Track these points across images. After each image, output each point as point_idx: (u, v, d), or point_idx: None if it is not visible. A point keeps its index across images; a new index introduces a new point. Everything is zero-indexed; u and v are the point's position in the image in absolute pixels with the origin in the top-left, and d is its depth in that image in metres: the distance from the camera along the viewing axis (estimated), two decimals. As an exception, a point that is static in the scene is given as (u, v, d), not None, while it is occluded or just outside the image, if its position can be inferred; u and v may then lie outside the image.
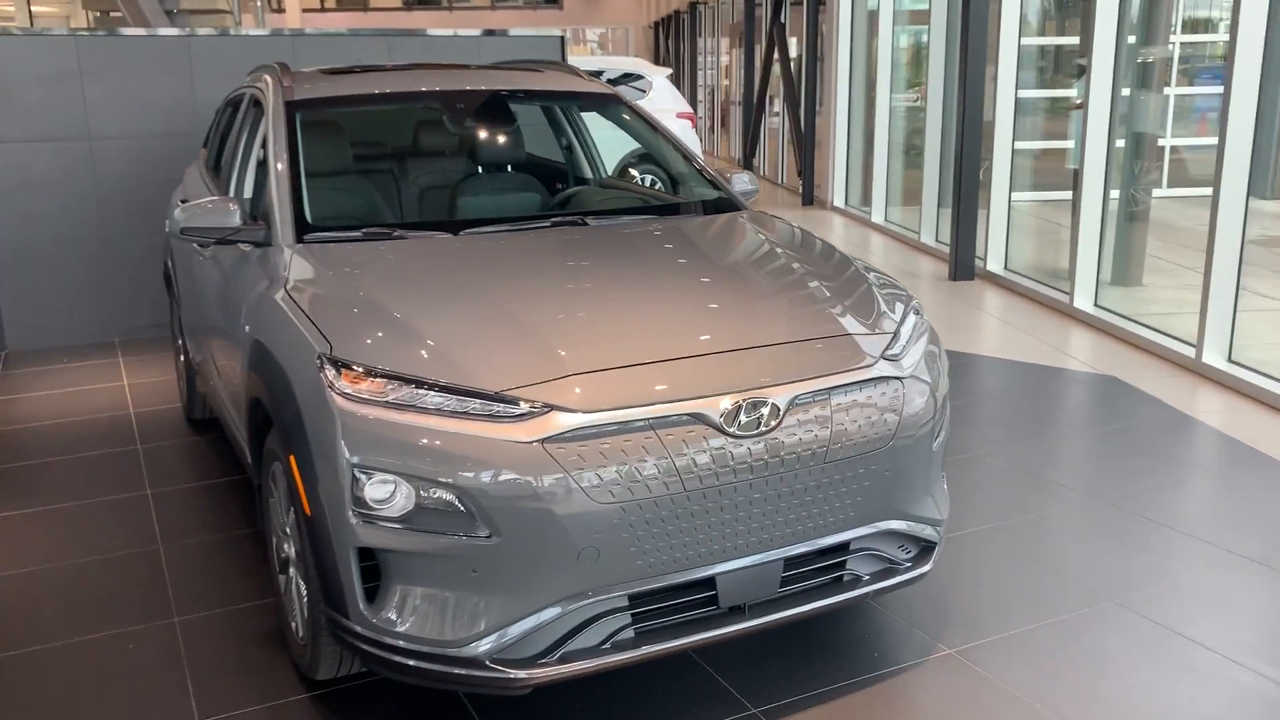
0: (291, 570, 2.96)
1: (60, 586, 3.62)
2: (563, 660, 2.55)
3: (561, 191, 4.22)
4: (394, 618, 2.54)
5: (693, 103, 23.82)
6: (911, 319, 3.13)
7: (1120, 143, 7.29)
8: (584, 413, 2.49)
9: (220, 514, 4.18)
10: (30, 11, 12.07)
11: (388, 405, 2.53)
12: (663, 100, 11.47)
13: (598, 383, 2.57)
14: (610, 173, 10.24)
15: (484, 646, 2.50)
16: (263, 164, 3.69)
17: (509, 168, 4.29)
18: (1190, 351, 6.01)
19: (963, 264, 8.64)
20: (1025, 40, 8.46)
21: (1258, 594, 3.47)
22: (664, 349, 2.72)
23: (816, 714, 2.85)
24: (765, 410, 2.61)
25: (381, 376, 2.57)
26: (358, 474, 2.50)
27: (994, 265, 8.65)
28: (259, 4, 16.30)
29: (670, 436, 2.53)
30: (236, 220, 3.42)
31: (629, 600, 2.59)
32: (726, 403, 2.58)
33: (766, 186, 16.16)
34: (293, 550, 2.91)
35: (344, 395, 2.56)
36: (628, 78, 11.69)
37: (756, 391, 2.62)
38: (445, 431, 2.48)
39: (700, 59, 23.02)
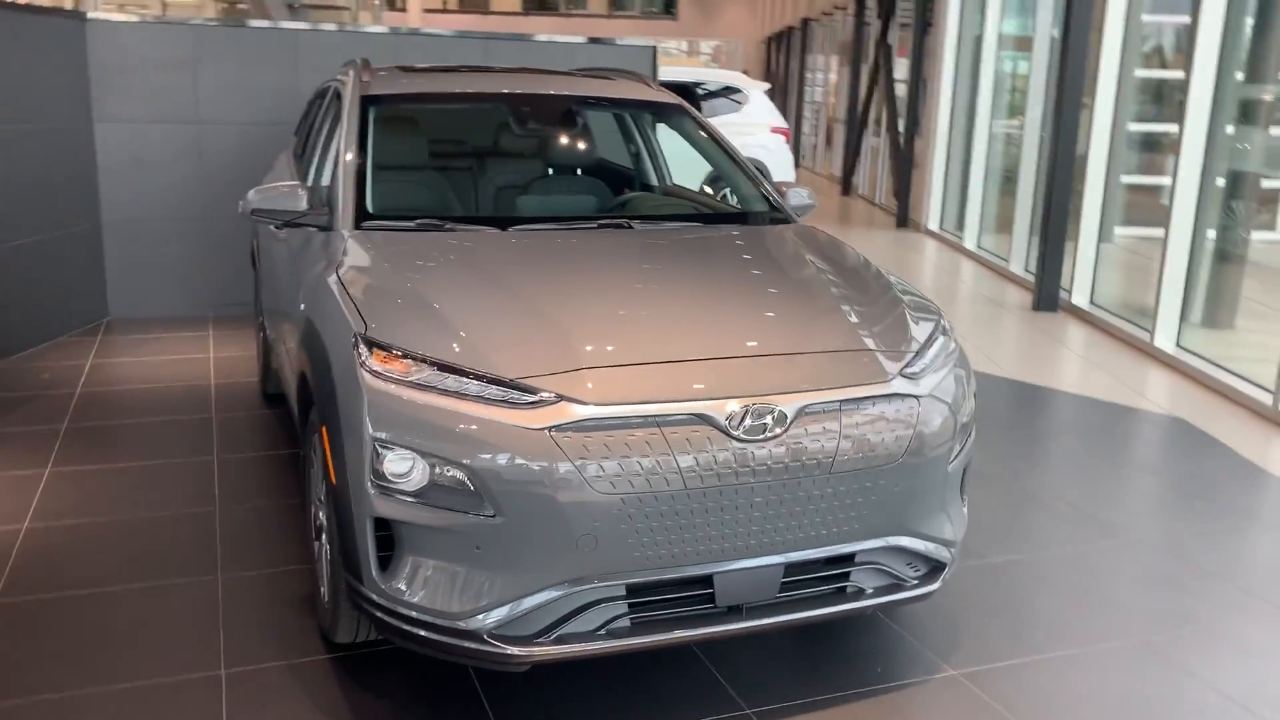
0: (323, 537, 3.13)
1: (121, 537, 3.87)
2: (558, 641, 2.65)
3: (620, 196, 4.33)
4: (403, 587, 2.67)
5: (799, 119, 23.78)
6: (940, 341, 3.16)
7: (1221, 181, 7.10)
8: (593, 405, 2.59)
9: (277, 483, 4.40)
10: (164, 1, 12.74)
11: (412, 385, 2.67)
12: (759, 114, 11.52)
13: (609, 378, 2.67)
14: (703, 180, 10.37)
15: (484, 621, 2.62)
16: (335, 153, 3.89)
17: (568, 170, 4.42)
18: (1268, 399, 5.83)
19: (1047, 295, 8.49)
20: (1138, 72, 8.29)
21: (1288, 646, 3.39)
22: (679, 350, 2.80)
23: (809, 720, 2.90)
24: (771, 417, 2.68)
25: (408, 358, 2.71)
26: (379, 448, 2.64)
27: (1079, 299, 8.49)
28: (377, 2, 16.86)
29: (675, 435, 2.61)
30: (303, 205, 3.61)
31: (627, 590, 2.67)
32: (733, 406, 2.66)
33: (862, 206, 16.06)
34: (324, 518, 3.07)
35: (373, 373, 2.71)
36: (728, 90, 11.74)
37: (764, 398, 2.69)
38: (462, 413, 2.60)
39: (809, 75, 22.96)
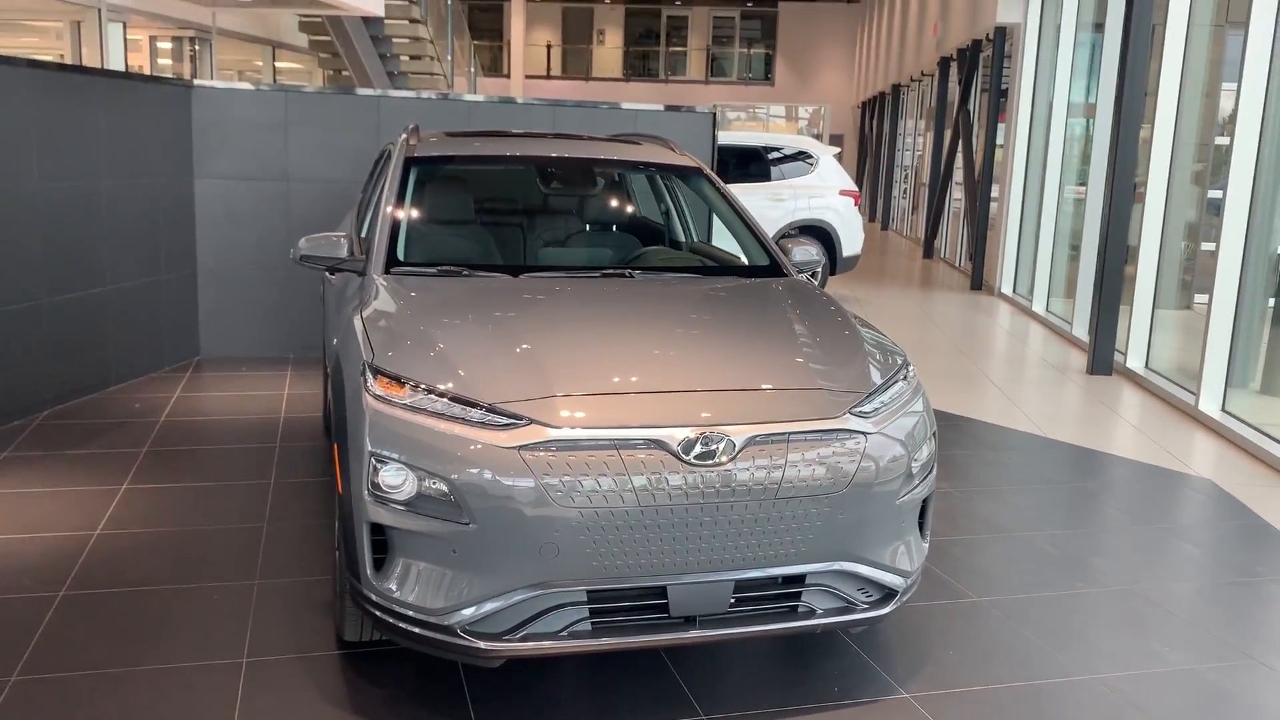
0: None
1: (177, 545, 4.33)
2: (525, 639, 2.98)
3: (633, 249, 4.70)
4: (394, 587, 3.03)
5: (889, 183, 23.97)
6: (898, 385, 3.42)
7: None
8: (558, 428, 2.94)
9: (322, 505, 4.83)
10: (275, 68, 13.74)
11: (406, 408, 3.05)
12: (828, 178, 11.84)
13: (577, 405, 3.01)
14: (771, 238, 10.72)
15: (458, 618, 2.96)
16: (377, 206, 4.36)
17: (586, 226, 4.82)
18: (1300, 463, 5.86)
19: (1101, 359, 8.55)
20: (1189, 138, 8.39)
21: (1254, 693, 3.49)
22: (643, 383, 3.14)
23: (757, 728, 3.15)
24: (720, 445, 2.98)
25: (404, 383, 3.10)
26: (375, 462, 3.02)
27: (1134, 363, 8.53)
28: (471, 70, 17.77)
29: (631, 457, 2.93)
30: (344, 252, 4.08)
31: (588, 596, 2.99)
32: (685, 434, 2.97)
33: (942, 269, 16.16)
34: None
35: (375, 396, 3.11)
36: (800, 154, 12.12)
37: (715, 428, 3.00)
38: (446, 433, 2.98)
39: (899, 140, 23.19)
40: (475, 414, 3.00)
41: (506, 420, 2.97)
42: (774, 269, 4.38)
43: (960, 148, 15.21)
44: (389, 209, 4.20)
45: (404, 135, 4.75)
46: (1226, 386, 7.10)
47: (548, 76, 33.68)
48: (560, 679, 3.35)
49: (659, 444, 2.96)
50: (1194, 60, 8.31)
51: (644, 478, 2.92)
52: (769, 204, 11.48)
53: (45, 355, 6.18)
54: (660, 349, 3.43)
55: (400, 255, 4.07)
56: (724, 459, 2.98)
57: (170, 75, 12.46)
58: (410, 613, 3.01)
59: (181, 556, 4.22)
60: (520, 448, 2.91)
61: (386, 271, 3.95)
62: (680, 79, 33.95)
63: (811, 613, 3.20)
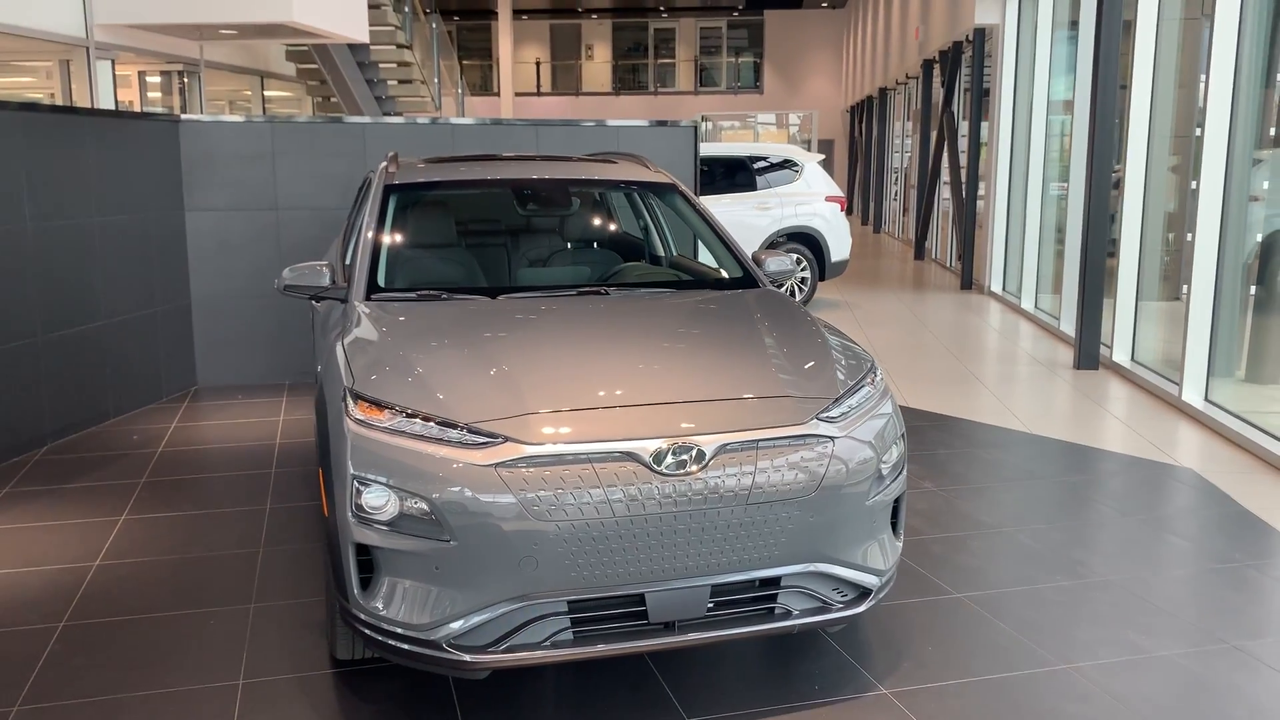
0: (333, 567, 3.62)
1: (175, 572, 4.43)
2: (509, 650, 3.07)
3: (610, 266, 4.81)
4: (380, 605, 3.13)
5: (879, 186, 24.09)
6: (865, 390, 3.52)
7: (1260, 235, 7.22)
8: (533, 445, 3.04)
9: (317, 529, 4.92)
10: (264, 97, 13.89)
11: (385, 430, 3.15)
12: (814, 185, 11.96)
13: (550, 421, 3.11)
14: (758, 247, 10.93)
15: (442, 632, 3.05)
16: (359, 234, 4.47)
17: (563, 245, 4.93)
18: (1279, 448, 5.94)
19: (1086, 353, 8.65)
20: (1172, 131, 8.50)
21: (1227, 677, 3.58)
22: (615, 398, 3.24)
23: (739, 728, 3.24)
24: (691, 455, 3.08)
25: (384, 407, 3.20)
26: (358, 484, 3.12)
27: (1120, 356, 8.62)
28: (459, 91, 17.91)
29: (604, 470, 3.03)
30: (326, 280, 4.18)
31: (568, 606, 3.08)
32: (657, 445, 3.07)
33: (933, 270, 16.25)
34: (329, 549, 3.56)
35: (356, 420, 3.21)
36: (787, 163, 12.24)
37: (685, 438, 3.10)
38: (425, 454, 3.07)
39: (888, 143, 23.32)
40: (453, 434, 3.10)
41: (483, 439, 3.07)
42: (747, 280, 4.48)
43: (946, 148, 15.33)
44: (369, 236, 4.31)
45: (384, 163, 4.86)
46: (1209, 376, 7.19)
47: (538, 93, 33.87)
48: (546, 687, 3.45)
49: (631, 456, 3.05)
50: (1166, 54, 8.42)
51: (618, 489, 3.02)
52: (756, 213, 11.60)
53: (44, 392, 6.29)
54: (633, 363, 3.53)
55: (381, 281, 4.18)
56: (695, 468, 3.08)
57: (161, 109, 12.61)
58: (397, 629, 3.11)
59: (179, 584, 4.32)
60: (497, 465, 3.01)
61: (367, 298, 4.06)
62: (669, 90, 34.13)
63: (788, 614, 3.29)
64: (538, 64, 34.38)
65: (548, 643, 3.10)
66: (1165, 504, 5.49)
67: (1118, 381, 8.24)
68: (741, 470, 3.12)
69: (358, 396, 3.27)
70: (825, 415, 3.31)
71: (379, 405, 3.21)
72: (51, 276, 6.36)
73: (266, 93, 14.01)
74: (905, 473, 3.60)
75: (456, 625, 3.04)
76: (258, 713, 3.33)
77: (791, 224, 11.72)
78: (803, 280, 11.84)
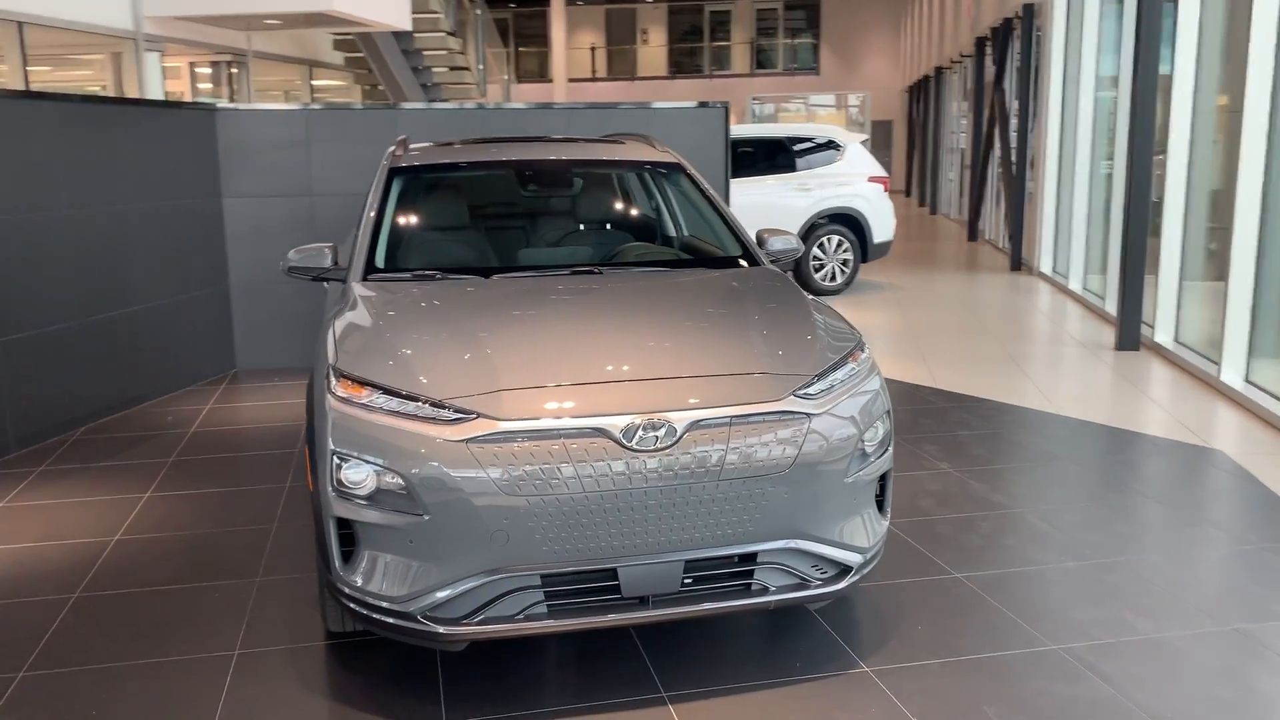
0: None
1: (188, 547, 4.56)
2: (483, 623, 3.12)
3: (610, 245, 4.81)
4: (360, 578, 3.19)
5: (935, 167, 23.73)
6: (848, 367, 3.49)
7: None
8: (503, 420, 3.07)
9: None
10: (312, 86, 14.12)
11: (363, 407, 3.21)
12: (856, 165, 11.82)
13: (522, 398, 3.15)
14: (799, 230, 10.85)
15: (417, 604, 3.11)
16: (361, 216, 4.54)
17: (563, 225, 4.95)
18: (1315, 430, 5.77)
19: (1127, 334, 8.45)
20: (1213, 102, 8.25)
21: (1219, 658, 3.50)
22: (589, 374, 3.26)
23: (714, 705, 3.25)
24: (662, 431, 3.09)
25: (363, 384, 3.26)
26: (337, 459, 3.19)
27: (1162, 337, 8.42)
28: (505, 77, 18.01)
29: (575, 446, 3.06)
30: (328, 262, 4.26)
31: (541, 579, 3.12)
32: (627, 421, 3.08)
33: (985, 251, 15.99)
34: (322, 524, 3.64)
35: (336, 397, 3.27)
36: (830, 144, 12.12)
37: (656, 414, 3.11)
38: (400, 429, 3.13)
39: (944, 123, 22.95)
40: (427, 410, 3.14)
41: (455, 415, 3.11)
42: (747, 259, 4.46)
43: (996, 128, 15.05)
44: (369, 218, 4.38)
45: (392, 147, 4.93)
46: (1250, 356, 6.99)
47: (593, 79, 33.90)
48: (527, 661, 3.49)
49: (601, 432, 3.07)
50: (1211, 26, 8.16)
51: (588, 465, 3.04)
52: (796, 194, 11.51)
53: (82, 373, 6.49)
54: (611, 341, 3.55)
55: (379, 263, 4.24)
56: (666, 444, 3.09)
57: (210, 99, 12.89)
58: (376, 602, 3.17)
59: (191, 558, 4.45)
60: (468, 440, 3.05)
61: (364, 279, 4.13)
62: (725, 73, 33.94)
63: (765, 590, 3.29)
64: (593, 49, 34.41)
65: (521, 615, 3.14)
66: (1190, 487, 5.37)
67: (1159, 363, 8.04)
68: (713, 446, 3.12)
69: (340, 374, 3.33)
70: (802, 392, 3.30)
71: (359, 383, 3.27)
72: (89, 262, 6.56)
73: (315, 82, 14.23)
74: (891, 450, 3.58)
75: (430, 598, 3.10)
76: (247, 683, 3.42)
77: (832, 205, 11.60)
78: (844, 262, 11.72)
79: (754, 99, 33.26)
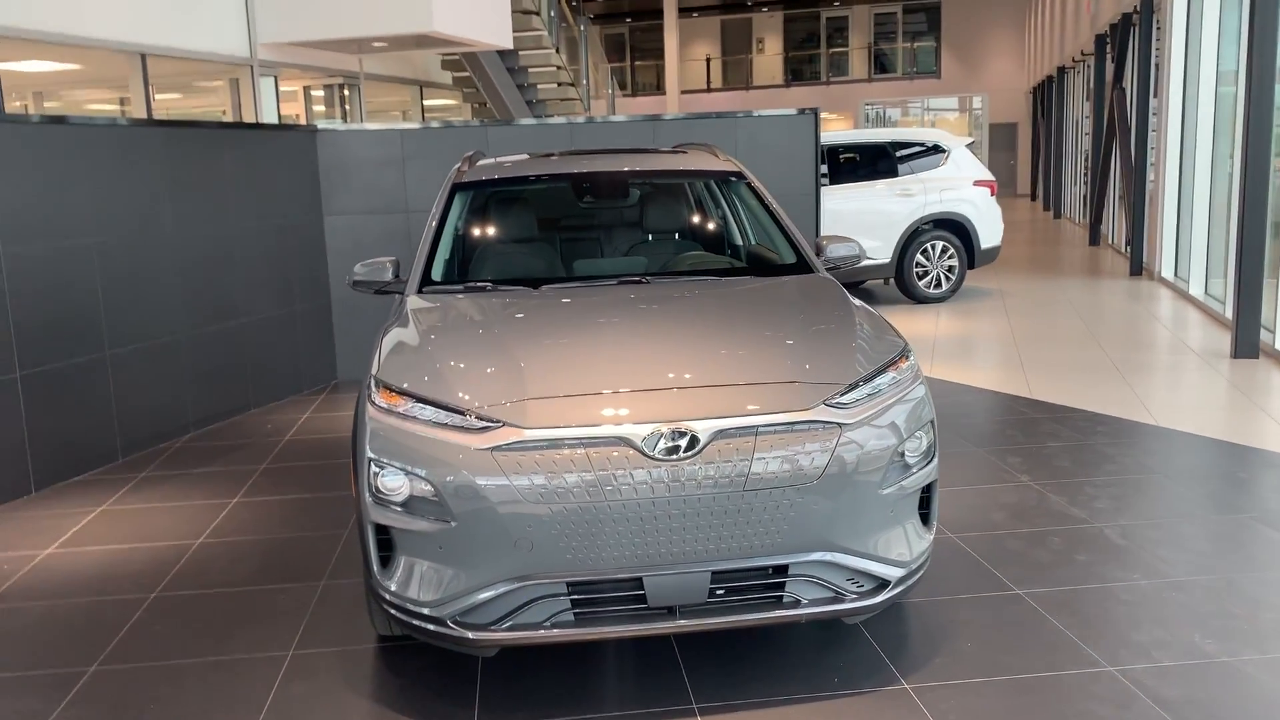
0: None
1: (264, 551, 4.75)
2: (512, 629, 3.16)
3: (665, 255, 4.81)
4: (395, 583, 3.28)
5: (1059, 169, 22.95)
6: (888, 376, 3.42)
7: None
8: (528, 429, 3.11)
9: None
10: (423, 106, 14.54)
11: (399, 416, 3.30)
12: (961, 169, 11.54)
13: (548, 407, 3.18)
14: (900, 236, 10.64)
15: (448, 609, 3.17)
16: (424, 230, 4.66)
17: (617, 236, 4.98)
18: None
19: (1245, 341, 8.02)
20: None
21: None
22: (614, 383, 3.27)
23: (742, 718, 3.21)
24: (685, 440, 3.08)
25: (400, 394, 3.35)
26: (375, 467, 3.28)
27: (1283, 343, 7.95)
28: (610, 91, 18.19)
29: (597, 455, 3.07)
30: (389, 275, 4.40)
31: (568, 587, 3.14)
32: (649, 430, 3.08)
33: (1107, 256, 15.38)
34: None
35: (376, 406, 3.37)
36: (935, 148, 11.86)
37: (679, 423, 3.10)
38: (431, 438, 3.20)
39: (1067, 123, 22.19)
40: (457, 419, 3.21)
41: (483, 424, 3.16)
42: (801, 267, 4.41)
43: (1117, 127, 14.47)
44: (429, 232, 4.50)
45: (459, 164, 5.05)
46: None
47: (708, 90, 33.96)
48: (564, 669, 3.52)
49: (624, 441, 3.08)
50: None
51: (610, 474, 3.06)
52: (897, 200, 11.29)
53: (188, 384, 6.84)
54: (641, 350, 3.55)
55: (436, 275, 4.35)
56: (689, 453, 3.08)
57: (324, 120, 13.40)
58: (411, 607, 3.25)
59: (264, 562, 4.63)
60: (493, 449, 3.10)
61: (419, 291, 4.24)
62: (842, 79, 33.55)
63: (797, 603, 3.24)
64: (708, 60, 34.48)
65: (548, 623, 3.16)
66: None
67: (1279, 372, 7.60)
68: (738, 456, 3.09)
69: (380, 384, 3.43)
70: (833, 401, 3.24)
71: (397, 392, 3.36)
72: (193, 278, 6.90)
73: (427, 101, 14.66)
74: (935, 461, 3.48)
75: (460, 603, 3.15)
76: (297, 681, 3.55)
77: (936, 210, 11.34)
78: (950, 269, 11.44)
79: (867, 104, 32.77)
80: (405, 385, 3.37)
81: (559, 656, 3.59)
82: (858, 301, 4.03)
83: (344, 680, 3.54)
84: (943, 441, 6.01)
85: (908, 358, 3.58)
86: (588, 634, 3.17)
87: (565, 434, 3.10)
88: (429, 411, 3.26)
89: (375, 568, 3.34)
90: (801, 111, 8.55)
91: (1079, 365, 8.08)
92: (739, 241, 5.14)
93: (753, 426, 3.13)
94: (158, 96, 11.64)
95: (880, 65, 33.92)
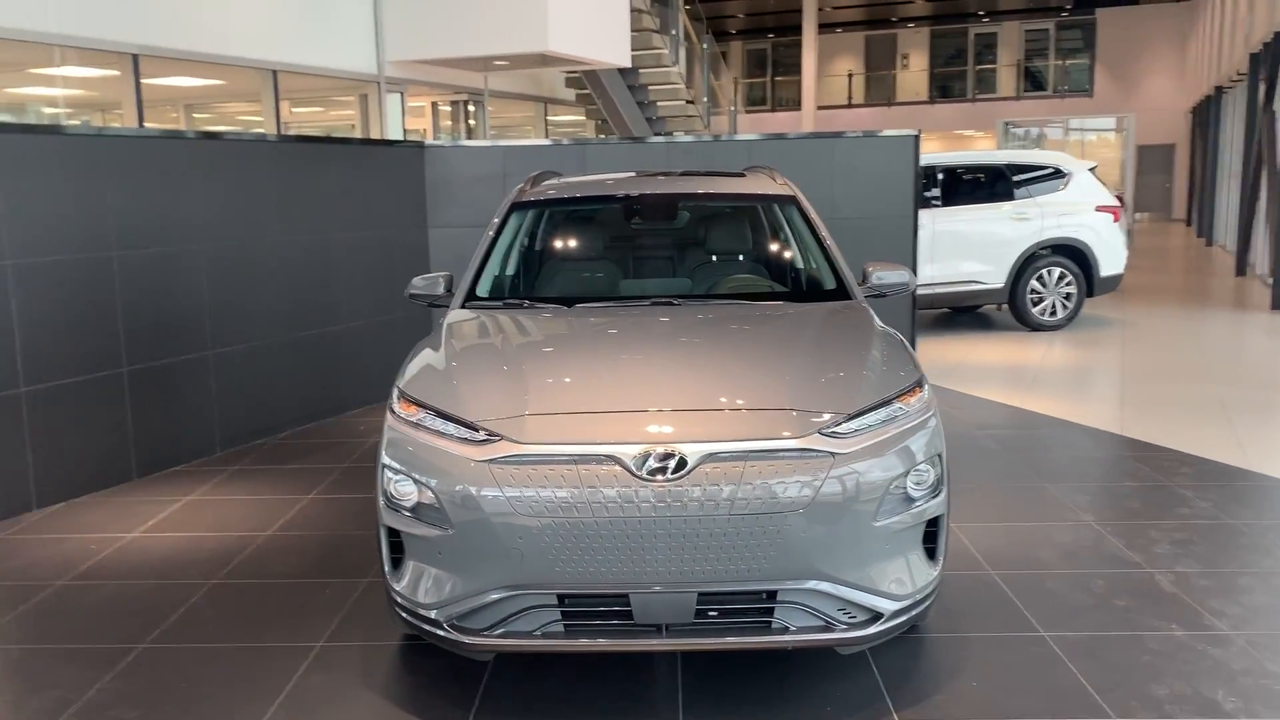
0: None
1: (322, 546, 5.01)
2: (504, 636, 3.28)
3: (712, 278, 4.85)
4: (402, 584, 3.44)
5: (1213, 193, 21.83)
6: (894, 406, 3.40)
7: None
8: (523, 444, 3.23)
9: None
10: (547, 122, 14.93)
11: (413, 425, 3.47)
12: (1082, 193, 11.16)
13: (544, 422, 3.29)
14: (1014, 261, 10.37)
15: (444, 613, 3.31)
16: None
17: (660, 257, 5.05)
18: None
19: (1371, 382, 7.50)
20: None
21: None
22: (613, 402, 3.36)
23: (726, 738, 3.25)
24: (673, 462, 3.14)
25: (417, 404, 3.52)
26: (389, 473, 3.46)
27: None
28: (733, 109, 18.23)
29: (587, 471, 3.16)
30: (441, 289, 4.60)
31: (558, 599, 3.24)
32: (639, 450, 3.16)
33: (1254, 288, 14.55)
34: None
35: (395, 416, 3.55)
36: (1053, 171, 11.51)
37: (669, 445, 3.16)
38: (437, 448, 3.35)
39: (1222, 145, 21.08)
40: (462, 431, 3.35)
41: (483, 436, 3.30)
42: (839, 292, 4.41)
43: (1265, 151, 13.71)
44: (480, 249, 4.68)
45: (522, 183, 5.23)
46: None
47: (848, 105, 33.59)
48: (565, 677, 3.61)
49: (614, 459, 3.17)
50: None
51: (599, 491, 3.14)
52: (1011, 224, 11.00)
53: (286, 385, 7.23)
54: (648, 371, 3.63)
55: (482, 291, 4.52)
56: (677, 475, 3.14)
57: (449, 135, 13.90)
58: (415, 609, 3.40)
59: (320, 556, 4.88)
60: (490, 461, 3.23)
61: (461, 305, 4.42)
62: (988, 96, 32.68)
63: (785, 629, 3.25)
64: (850, 76, 34.13)
65: (539, 632, 3.27)
66: (1376, 558, 4.73)
67: (1405, 417, 7.09)
68: (726, 480, 3.14)
69: (401, 394, 3.61)
70: (829, 430, 3.25)
71: (414, 403, 3.54)
72: (296, 284, 7.31)
73: (550, 118, 15.03)
74: (945, 495, 3.44)
75: (456, 608, 3.29)
76: (317, 672, 3.75)
77: (1054, 235, 10.99)
78: (1067, 296, 11.06)
79: (1006, 123, 31.81)
80: (421, 396, 3.54)
81: (560, 666, 3.69)
82: (887, 330, 4.01)
83: (361, 675, 3.72)
84: (1009, 475, 5.87)
85: (920, 390, 3.55)
86: (577, 646, 3.27)
87: (558, 450, 3.20)
88: (439, 423, 3.42)
89: (387, 569, 3.51)
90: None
91: (1183, 402, 7.72)
92: (784, 266, 5.16)
93: (743, 451, 3.17)
94: (294, 110, 12.31)
95: (1030, 82, 32.91)
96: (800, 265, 4.84)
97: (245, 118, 14.34)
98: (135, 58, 9.15)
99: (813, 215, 4.85)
